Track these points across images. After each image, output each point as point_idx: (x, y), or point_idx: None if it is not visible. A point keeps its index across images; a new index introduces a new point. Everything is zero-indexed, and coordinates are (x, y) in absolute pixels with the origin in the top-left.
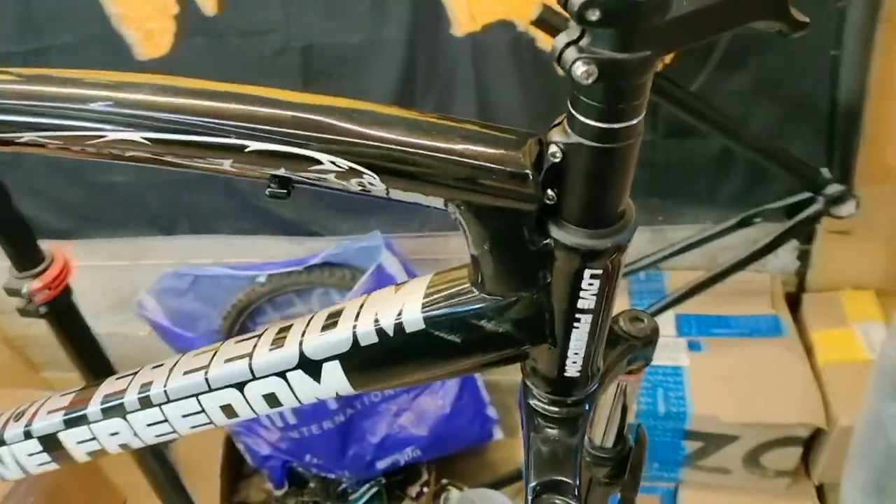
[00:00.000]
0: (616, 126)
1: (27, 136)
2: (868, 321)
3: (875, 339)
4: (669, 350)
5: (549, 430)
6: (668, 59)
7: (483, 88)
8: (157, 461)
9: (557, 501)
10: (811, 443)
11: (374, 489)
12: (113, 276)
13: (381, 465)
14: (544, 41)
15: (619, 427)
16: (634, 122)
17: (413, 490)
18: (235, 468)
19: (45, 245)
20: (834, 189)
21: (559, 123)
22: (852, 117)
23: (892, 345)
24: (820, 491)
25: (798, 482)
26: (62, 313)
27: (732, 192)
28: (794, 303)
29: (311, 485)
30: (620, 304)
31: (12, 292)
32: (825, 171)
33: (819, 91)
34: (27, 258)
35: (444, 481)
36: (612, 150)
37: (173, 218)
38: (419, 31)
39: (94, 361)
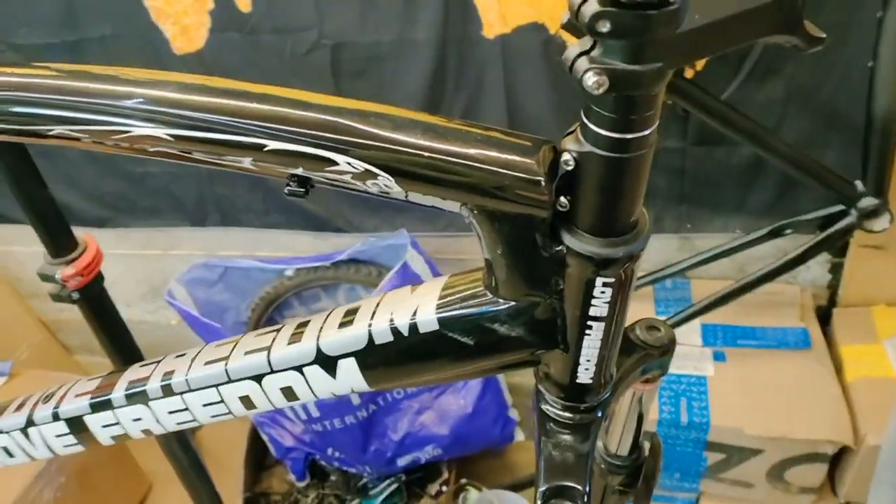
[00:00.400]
0: (628, 136)
1: (57, 130)
2: None
3: None
4: (694, 360)
5: (561, 435)
6: (698, 65)
7: (512, 90)
8: (181, 449)
9: None
10: (837, 460)
11: (394, 485)
12: (145, 265)
13: (402, 462)
14: None
15: (635, 435)
16: (647, 132)
17: (433, 488)
18: (259, 459)
19: (79, 233)
20: (868, 202)
21: (573, 132)
22: (887, 130)
23: None
24: None
25: (823, 499)
26: (93, 299)
27: (763, 201)
28: (824, 317)
29: (333, 478)
30: (645, 311)
31: (46, 278)
32: (859, 184)
33: (854, 102)
34: (61, 245)
35: (464, 481)
36: (624, 160)
37: (204, 210)
38: (449, 31)
39: (122, 347)
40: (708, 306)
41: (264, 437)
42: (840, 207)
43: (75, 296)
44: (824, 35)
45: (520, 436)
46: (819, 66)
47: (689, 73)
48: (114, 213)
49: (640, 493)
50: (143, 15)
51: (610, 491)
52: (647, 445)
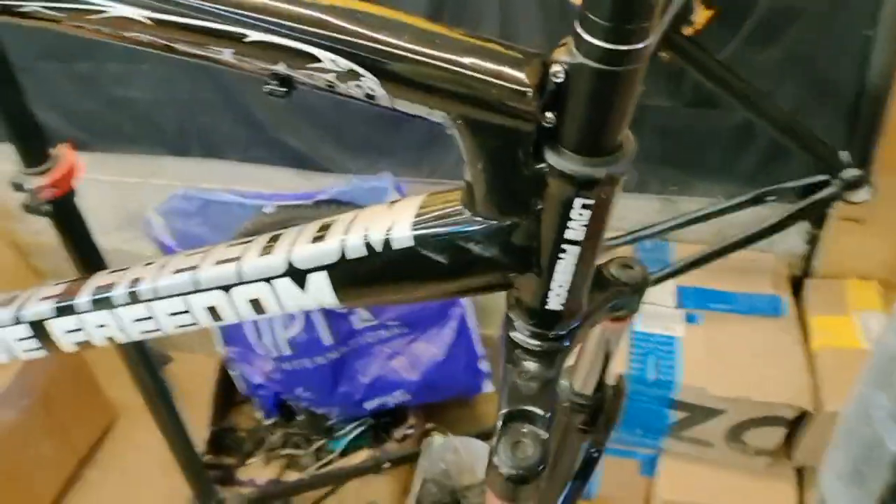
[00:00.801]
0: (623, 48)
1: (33, 6)
2: (868, 311)
3: (873, 329)
4: (666, 320)
5: (527, 362)
6: (698, 24)
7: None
8: (149, 376)
9: (526, 429)
10: (795, 425)
11: (361, 428)
12: (123, 192)
13: (370, 405)
14: None
15: (600, 375)
16: (641, 45)
17: (399, 432)
18: (228, 396)
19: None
20: (851, 173)
21: (565, 44)
22: (878, 101)
23: (889, 334)
24: (799, 473)
25: (778, 462)
26: (65, 213)
27: (748, 168)
28: (797, 286)
29: (300, 418)
30: None
31: (18, 187)
32: (844, 155)
33: (848, 71)
34: (35, 156)
35: (430, 426)
36: (616, 74)
37: (186, 139)
38: None
39: (92, 265)
40: (683, 268)
41: (233, 374)
42: (823, 177)
43: (47, 208)
44: None
45: (489, 387)
46: (817, 32)
47: (688, 31)
48: (92, 137)
49: (598, 430)
50: None
51: (571, 429)
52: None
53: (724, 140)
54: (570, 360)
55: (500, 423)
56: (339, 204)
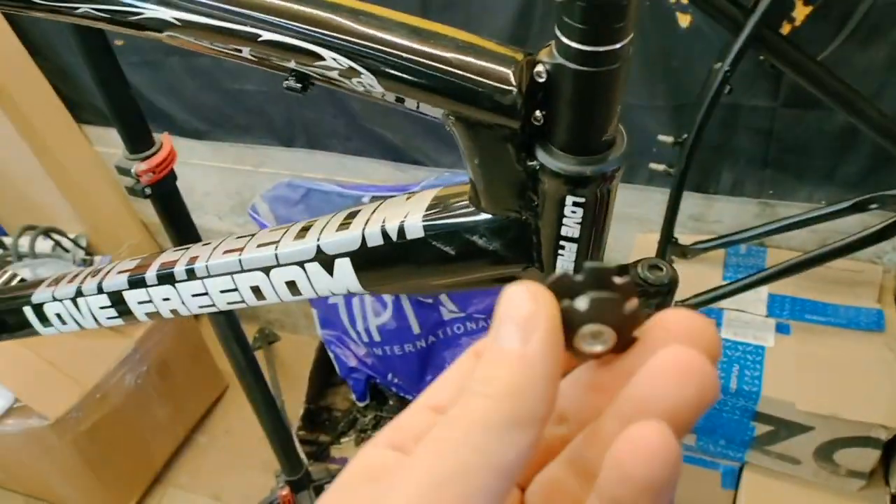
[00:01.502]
0: (598, 49)
1: (83, 8)
2: None
3: None
4: (755, 328)
5: None
6: (797, 21)
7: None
8: (241, 352)
9: None
10: (892, 448)
11: None
12: (237, 179)
13: None
14: None
15: None
16: (617, 46)
17: None
18: (326, 376)
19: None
20: None
21: (549, 45)
22: None
23: None
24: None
25: (873, 486)
26: (165, 196)
27: (853, 173)
28: None
29: (391, 402)
30: (711, 274)
31: (122, 171)
32: None
33: None
34: (138, 143)
35: None
36: (593, 74)
37: (292, 131)
38: None
39: (189, 243)
40: (776, 274)
41: (330, 356)
42: None
43: (148, 191)
44: None
45: None
46: None
47: (785, 29)
48: (211, 127)
49: None
50: None
51: None
52: None
53: (826, 143)
54: None
55: None
56: None
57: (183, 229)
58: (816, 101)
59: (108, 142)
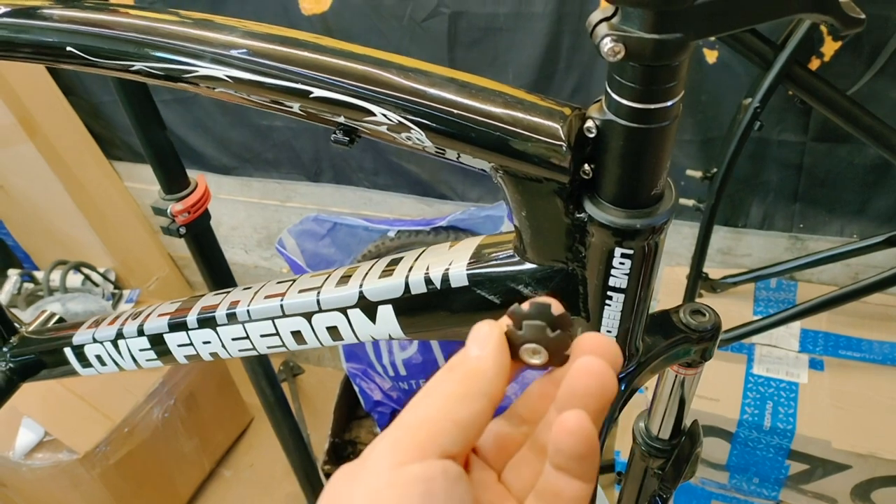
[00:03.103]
0: (649, 107)
1: (138, 66)
2: None
3: None
4: (788, 364)
5: None
6: (826, 56)
7: None
8: (269, 386)
9: None
10: None
11: None
12: (264, 214)
13: None
14: None
15: (676, 420)
16: (669, 104)
17: None
18: (351, 409)
19: (194, 175)
20: None
21: (599, 100)
22: None
23: None
24: None
25: None
26: (199, 235)
27: (885, 206)
28: None
29: None
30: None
31: (158, 211)
32: None
33: None
34: (174, 183)
35: None
36: (644, 131)
37: (319, 166)
38: (566, 4)
39: (221, 281)
40: (809, 309)
41: (356, 389)
42: None
43: (182, 230)
44: (863, 16)
45: None
46: None
47: (813, 64)
48: (239, 163)
49: (668, 476)
50: None
51: (650, 474)
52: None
53: (857, 177)
54: (645, 405)
55: None
56: (455, 230)
57: (216, 267)
58: (847, 136)
59: (138, 177)
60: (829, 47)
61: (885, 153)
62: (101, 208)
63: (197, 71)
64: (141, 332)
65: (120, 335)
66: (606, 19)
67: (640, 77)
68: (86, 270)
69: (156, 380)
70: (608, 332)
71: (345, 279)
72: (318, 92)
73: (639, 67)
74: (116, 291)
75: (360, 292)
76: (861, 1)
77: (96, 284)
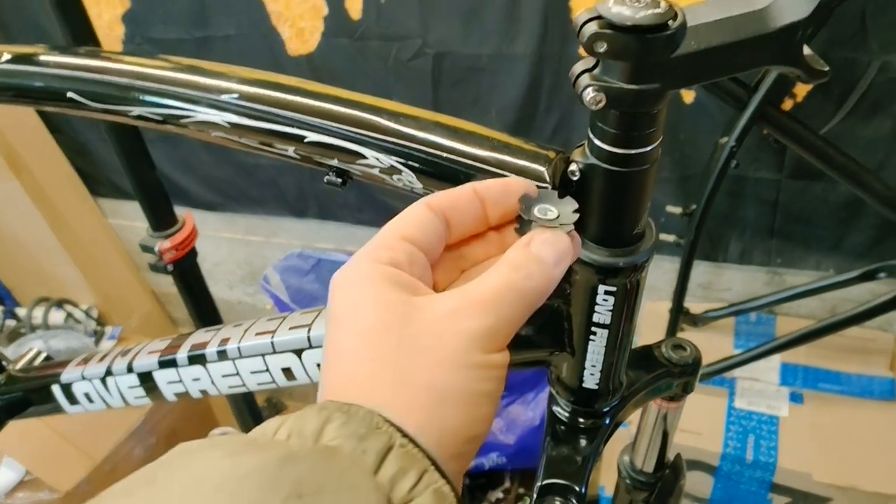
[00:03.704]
0: (629, 152)
1: (137, 111)
2: None
3: None
4: (768, 398)
5: (566, 437)
6: (798, 97)
7: None
8: (253, 422)
9: (558, 502)
10: None
11: None
12: (248, 250)
13: None
14: None
15: (660, 453)
16: (648, 149)
17: (493, 495)
18: None
19: (180, 212)
20: None
21: (582, 145)
22: None
23: None
24: None
25: None
26: (185, 272)
27: (859, 242)
28: None
29: None
30: (721, 343)
31: (146, 248)
32: None
33: None
34: (162, 220)
35: (522, 491)
36: (625, 174)
37: (304, 202)
38: (547, 47)
39: (207, 318)
40: (787, 343)
41: None
42: None
43: (170, 268)
44: (827, 68)
45: None
46: None
47: (786, 105)
48: (224, 199)
49: None
50: (263, 18)
51: None
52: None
53: (832, 213)
54: (629, 439)
55: (535, 495)
56: None
57: (202, 303)
58: (821, 173)
59: (122, 214)
60: (802, 88)
61: (858, 191)
62: (84, 245)
63: (195, 116)
64: (130, 370)
65: (109, 372)
66: (588, 70)
67: (621, 124)
68: (68, 307)
69: (137, 418)
70: (592, 366)
71: None
72: (312, 137)
73: (619, 115)
74: (99, 328)
75: None
76: (831, 44)
77: (78, 321)
